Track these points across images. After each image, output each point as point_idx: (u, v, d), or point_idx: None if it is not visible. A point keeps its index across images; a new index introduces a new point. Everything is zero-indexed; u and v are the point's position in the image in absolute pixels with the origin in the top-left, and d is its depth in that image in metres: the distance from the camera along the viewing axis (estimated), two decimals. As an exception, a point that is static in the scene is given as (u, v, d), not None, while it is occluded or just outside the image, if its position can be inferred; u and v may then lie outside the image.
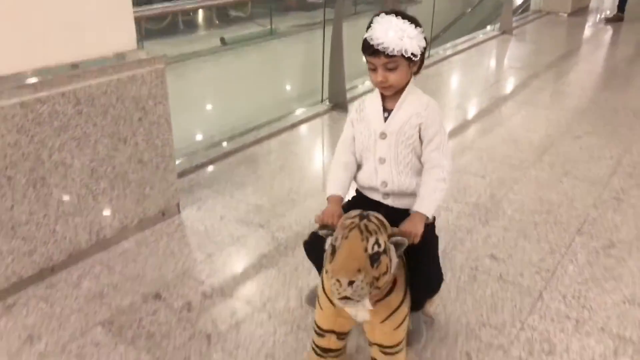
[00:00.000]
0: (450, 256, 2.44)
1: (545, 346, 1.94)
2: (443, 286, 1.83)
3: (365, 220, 1.43)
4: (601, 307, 2.15)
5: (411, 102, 1.66)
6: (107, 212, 2.42)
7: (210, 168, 3.29)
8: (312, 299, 1.96)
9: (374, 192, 1.75)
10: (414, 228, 1.56)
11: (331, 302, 1.57)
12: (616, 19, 8.07)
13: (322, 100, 4.40)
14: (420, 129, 1.64)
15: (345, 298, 1.37)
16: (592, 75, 5.65)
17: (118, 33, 2.36)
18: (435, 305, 2.08)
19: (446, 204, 2.86)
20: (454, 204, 2.88)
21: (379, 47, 1.55)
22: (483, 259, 2.43)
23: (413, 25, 1.58)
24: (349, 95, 4.29)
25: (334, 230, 1.48)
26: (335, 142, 2.01)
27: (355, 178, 1.77)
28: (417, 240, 1.55)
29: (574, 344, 1.95)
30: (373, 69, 1.61)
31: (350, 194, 1.80)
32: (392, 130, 1.65)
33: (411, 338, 1.83)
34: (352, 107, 1.78)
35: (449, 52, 6.03)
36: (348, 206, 1.67)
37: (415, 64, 1.62)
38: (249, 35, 3.71)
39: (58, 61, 2.16)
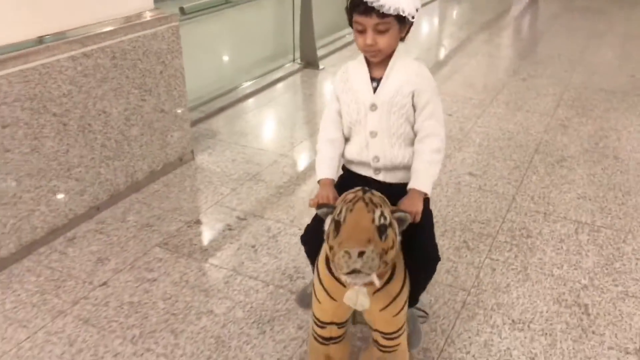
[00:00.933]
0: (438, 176, 2.90)
1: (524, 232, 2.45)
2: (437, 196, 2.27)
3: (368, 194, 1.38)
4: (561, 202, 2.68)
5: (400, 68, 1.53)
6: (139, 157, 2.71)
7: (208, 122, 3.59)
8: (302, 298, 1.94)
9: (364, 167, 1.64)
10: (413, 207, 1.46)
11: (329, 295, 1.52)
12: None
13: (293, 60, 4.75)
14: (413, 96, 1.52)
15: (354, 272, 1.29)
16: (527, 29, 6.27)
17: (138, -6, 2.63)
18: (429, 295, 2.04)
19: None
20: (430, 137, 3.35)
21: (373, 4, 1.38)
22: (463, 175, 2.92)
23: None
24: (318, 53, 4.67)
25: (333, 208, 1.41)
26: (309, 95, 2.34)
27: (343, 152, 1.65)
28: (418, 218, 1.47)
29: (544, 229, 2.47)
30: (361, 31, 1.46)
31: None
32: (382, 100, 1.52)
33: (411, 340, 1.72)
34: (335, 78, 1.64)
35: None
36: (337, 185, 1.59)
37: (405, 27, 1.49)
38: (210, 2, 3.87)
39: (95, 20, 2.41)
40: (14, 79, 2.07)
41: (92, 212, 2.53)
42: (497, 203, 2.67)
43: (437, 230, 2.45)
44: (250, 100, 3.97)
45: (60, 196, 2.35)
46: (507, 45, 5.53)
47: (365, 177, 1.62)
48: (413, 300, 1.68)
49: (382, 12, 1.39)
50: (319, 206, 1.47)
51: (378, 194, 1.40)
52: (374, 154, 1.57)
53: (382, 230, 1.32)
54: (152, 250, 2.32)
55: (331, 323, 1.59)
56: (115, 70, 2.48)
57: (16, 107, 2.10)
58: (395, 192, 1.52)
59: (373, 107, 1.53)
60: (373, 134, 1.55)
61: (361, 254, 1.26)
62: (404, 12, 1.40)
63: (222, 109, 3.76)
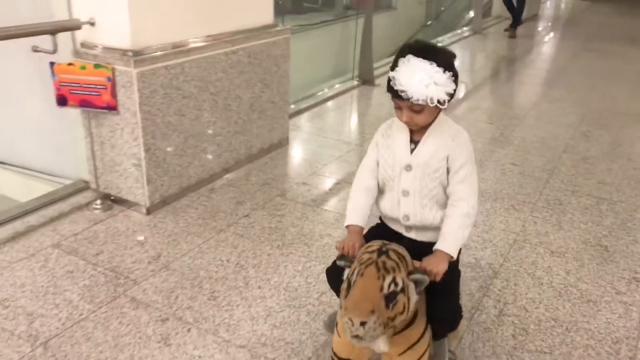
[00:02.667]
0: (486, 164, 3.64)
1: (557, 202, 3.17)
2: (487, 177, 2.99)
3: (383, 257, 1.39)
4: (585, 185, 3.41)
5: (439, 133, 1.58)
6: (255, 135, 3.48)
7: (292, 120, 4.38)
8: (330, 325, 2.00)
9: (396, 224, 1.70)
10: (435, 267, 1.50)
11: None
12: (511, 36, 8.24)
13: (352, 78, 5.56)
14: (447, 160, 1.57)
15: (357, 337, 1.33)
16: (551, 64, 7.09)
17: (264, 12, 3.45)
18: (458, 341, 2.05)
19: (473, 137, 4.08)
20: (476, 138, 4.10)
21: (402, 95, 1.46)
22: (507, 164, 3.66)
23: (442, 70, 1.46)
24: (375, 72, 5.48)
25: (352, 261, 1.45)
26: (366, 106, 2.99)
27: (377, 204, 1.72)
28: (438, 278, 1.50)
29: (573, 201, 3.19)
30: (398, 108, 1.55)
31: (373, 220, 1.80)
32: (418, 162, 1.58)
33: None
34: (379, 130, 1.70)
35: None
36: (370, 235, 1.65)
37: (443, 103, 1.51)
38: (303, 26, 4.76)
39: (239, 27, 3.22)
40: (193, 64, 2.87)
41: (222, 173, 3.28)
42: (535, 183, 3.40)
43: (489, 198, 3.18)
44: (321, 106, 4.78)
45: (207, 155, 3.12)
46: (535, 75, 6.34)
47: (397, 232, 1.69)
48: (439, 335, 1.75)
49: None
50: (339, 257, 1.53)
51: (396, 254, 1.42)
52: (405, 212, 1.63)
53: (390, 298, 1.35)
54: (274, 198, 3.07)
55: None
56: (249, 66, 3.28)
57: (191, 84, 2.89)
58: (425, 250, 1.57)
59: (408, 167, 1.59)
60: (405, 193, 1.61)
61: (363, 323, 1.31)
62: (432, 101, 1.46)
63: (301, 111, 4.56)
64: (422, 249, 1.58)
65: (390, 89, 1.51)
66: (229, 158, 3.31)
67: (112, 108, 2.65)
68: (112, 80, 2.59)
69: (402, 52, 1.50)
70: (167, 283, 2.31)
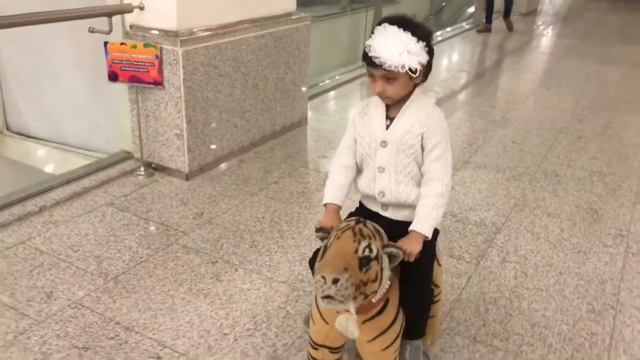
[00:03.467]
0: (488, 142, 3.98)
1: (553, 174, 3.52)
2: (490, 152, 3.31)
3: (360, 225, 1.43)
4: (579, 160, 3.76)
5: (414, 110, 1.61)
6: (279, 114, 3.81)
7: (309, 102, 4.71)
8: (307, 319, 2.00)
9: (372, 202, 1.73)
10: (410, 247, 1.54)
11: (322, 318, 1.59)
12: (485, 30, 8.34)
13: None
14: (422, 138, 1.59)
15: (328, 297, 1.34)
16: (548, 55, 7.45)
17: (288, 0, 3.77)
18: (430, 342, 2.00)
19: (476, 119, 4.43)
20: (479, 119, 4.43)
21: (376, 61, 1.49)
22: (507, 142, 4.01)
23: (415, 39, 1.50)
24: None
25: (329, 234, 1.47)
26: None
27: (356, 182, 1.75)
28: (412, 258, 1.53)
29: (567, 173, 3.54)
30: (372, 78, 1.57)
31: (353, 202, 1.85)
32: (392, 138, 1.61)
33: None
34: (356, 109, 1.73)
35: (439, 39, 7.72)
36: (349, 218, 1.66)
37: (417, 76, 1.55)
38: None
39: (267, 14, 3.55)
40: (228, 45, 3.20)
41: (250, 147, 3.61)
42: (533, 158, 3.74)
43: (492, 170, 3.51)
44: (336, 90, 5.11)
45: (237, 130, 3.45)
46: (533, 66, 6.68)
47: (375, 212, 1.72)
48: (415, 333, 1.76)
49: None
50: (317, 230, 1.55)
51: (373, 227, 1.45)
52: (380, 189, 1.66)
53: (364, 261, 1.37)
54: (299, 169, 3.40)
55: (324, 346, 1.66)
56: (275, 49, 3.60)
57: (226, 64, 3.22)
58: (402, 230, 1.61)
59: (383, 143, 1.62)
60: (381, 169, 1.64)
61: (335, 281, 1.32)
62: (404, 68, 1.49)
63: (314, 95, 4.89)
64: (398, 229, 1.62)
65: (365, 56, 1.54)
66: (256, 133, 3.64)
67: (159, 83, 2.97)
68: (159, 58, 2.92)
69: (379, 23, 1.55)
70: (212, 234, 2.64)
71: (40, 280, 2.26)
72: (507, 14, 8.62)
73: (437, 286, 1.87)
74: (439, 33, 8.00)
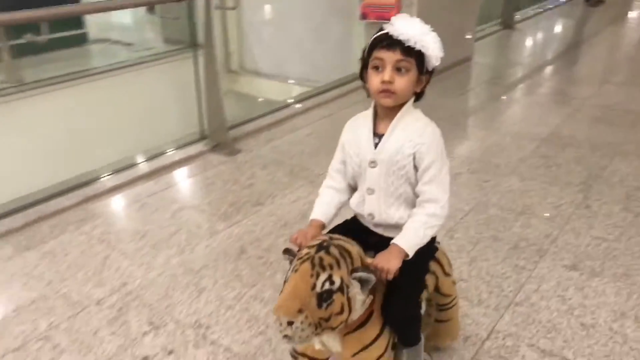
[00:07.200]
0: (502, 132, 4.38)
1: (551, 156, 3.87)
2: (498, 141, 3.77)
3: (322, 252, 1.34)
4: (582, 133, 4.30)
5: (405, 126, 1.49)
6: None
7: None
8: None
9: (364, 219, 1.64)
10: (387, 263, 1.42)
11: None
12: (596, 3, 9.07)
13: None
14: (414, 158, 1.48)
15: (287, 337, 1.30)
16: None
17: None
18: (449, 340, 2.00)
19: (545, 109, 5.18)
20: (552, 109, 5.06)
21: (400, 37, 1.40)
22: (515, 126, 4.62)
23: (435, 33, 1.46)
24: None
25: (294, 257, 1.39)
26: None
27: (350, 199, 1.66)
28: (390, 276, 1.42)
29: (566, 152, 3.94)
30: (378, 68, 1.45)
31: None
32: (382, 158, 1.50)
33: None
34: (345, 127, 1.61)
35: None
36: (339, 228, 1.63)
37: (421, 82, 1.49)
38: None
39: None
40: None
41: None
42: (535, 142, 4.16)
43: (497, 147, 3.98)
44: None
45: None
46: (600, 55, 7.04)
47: (366, 227, 1.64)
48: (407, 342, 1.65)
49: (407, 48, 1.41)
50: (284, 251, 1.45)
51: (339, 251, 1.35)
52: (369, 210, 1.58)
53: (324, 296, 1.31)
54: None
55: (304, 355, 1.61)
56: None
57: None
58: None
59: (372, 163, 1.52)
60: (370, 191, 1.55)
61: (290, 323, 1.28)
62: (427, 49, 1.43)
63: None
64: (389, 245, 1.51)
65: (380, 39, 1.45)
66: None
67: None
68: (399, 1, 4.70)
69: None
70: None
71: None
72: None
73: (447, 295, 1.82)
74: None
